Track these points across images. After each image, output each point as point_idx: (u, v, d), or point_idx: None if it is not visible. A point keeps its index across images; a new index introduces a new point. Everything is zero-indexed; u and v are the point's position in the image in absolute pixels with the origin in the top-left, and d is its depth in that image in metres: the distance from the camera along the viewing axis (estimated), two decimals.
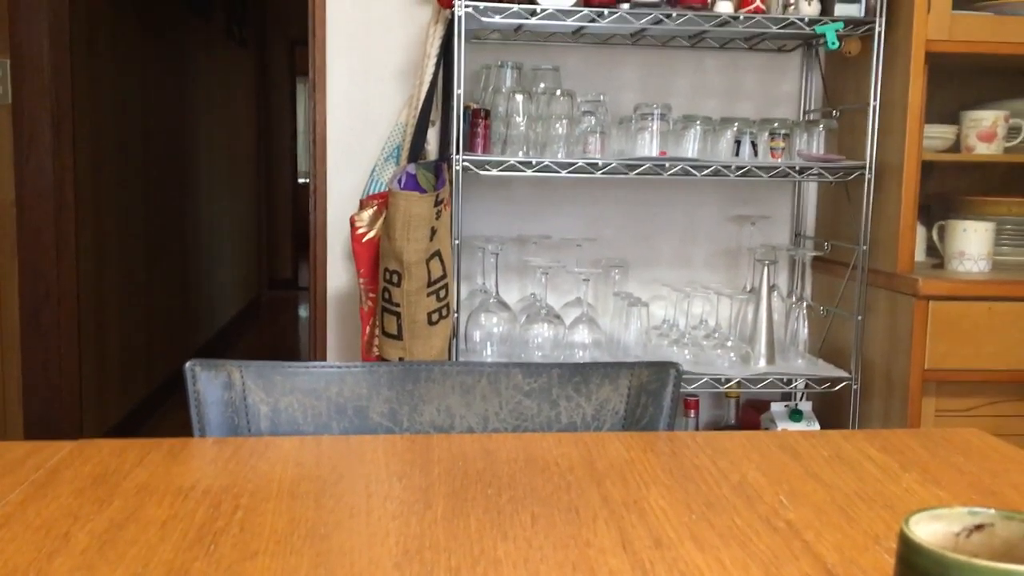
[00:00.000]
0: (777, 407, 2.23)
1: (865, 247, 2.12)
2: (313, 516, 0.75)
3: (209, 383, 1.03)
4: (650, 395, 1.08)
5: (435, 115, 2.09)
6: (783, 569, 0.67)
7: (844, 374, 2.15)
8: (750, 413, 2.37)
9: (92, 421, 3.03)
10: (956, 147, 2.23)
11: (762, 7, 2.06)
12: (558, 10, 1.99)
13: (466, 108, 2.04)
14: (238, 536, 0.71)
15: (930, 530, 0.45)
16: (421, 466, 0.87)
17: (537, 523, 0.74)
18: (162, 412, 3.80)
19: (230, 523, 0.74)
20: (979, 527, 0.46)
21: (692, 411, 2.27)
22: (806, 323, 2.25)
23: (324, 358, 2.38)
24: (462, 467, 0.87)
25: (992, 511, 0.46)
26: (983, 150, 2.20)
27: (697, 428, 2.31)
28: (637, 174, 2.06)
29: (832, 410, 2.33)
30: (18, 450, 0.90)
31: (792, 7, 2.09)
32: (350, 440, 0.95)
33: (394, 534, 0.72)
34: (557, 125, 2.08)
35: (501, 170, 2.03)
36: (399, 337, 1.97)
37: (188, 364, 1.02)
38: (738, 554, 0.69)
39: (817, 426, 2.23)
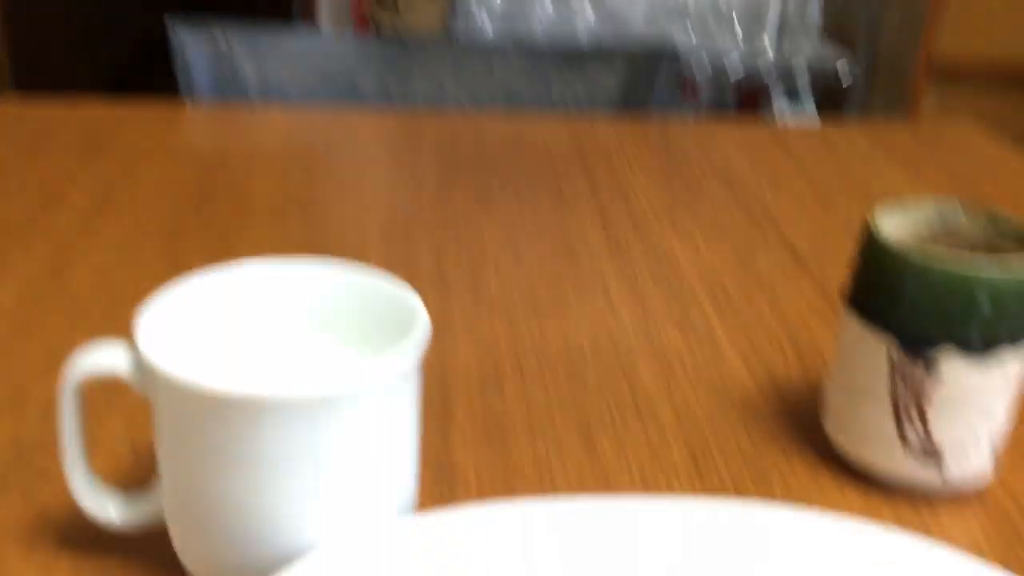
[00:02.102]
0: (778, 91, 2.21)
1: None
2: (305, 188, 0.77)
3: (195, 46, 1.00)
4: (645, 77, 1.06)
5: None
6: (755, 255, 0.70)
7: (850, 59, 2.10)
8: (750, 97, 2.34)
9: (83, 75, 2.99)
10: None
11: None
12: None
13: None
14: (233, 202, 0.73)
15: (895, 223, 0.47)
16: (411, 145, 0.88)
17: (523, 204, 0.76)
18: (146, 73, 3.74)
19: (223, 188, 0.75)
20: (944, 222, 0.47)
21: (691, 93, 2.25)
22: (818, 4, 2.16)
23: (315, 21, 2.30)
24: (452, 147, 0.88)
25: (959, 206, 0.47)
26: None
27: (697, 111, 2.30)
28: None
29: (834, 97, 2.31)
30: (8, 107, 0.90)
31: None
32: (341, 115, 0.95)
33: (383, 209, 0.74)
34: None
35: None
36: (394, 7, 1.89)
37: (170, 25, 0.99)
38: (713, 240, 0.72)
39: (814, 111, 2.21)
